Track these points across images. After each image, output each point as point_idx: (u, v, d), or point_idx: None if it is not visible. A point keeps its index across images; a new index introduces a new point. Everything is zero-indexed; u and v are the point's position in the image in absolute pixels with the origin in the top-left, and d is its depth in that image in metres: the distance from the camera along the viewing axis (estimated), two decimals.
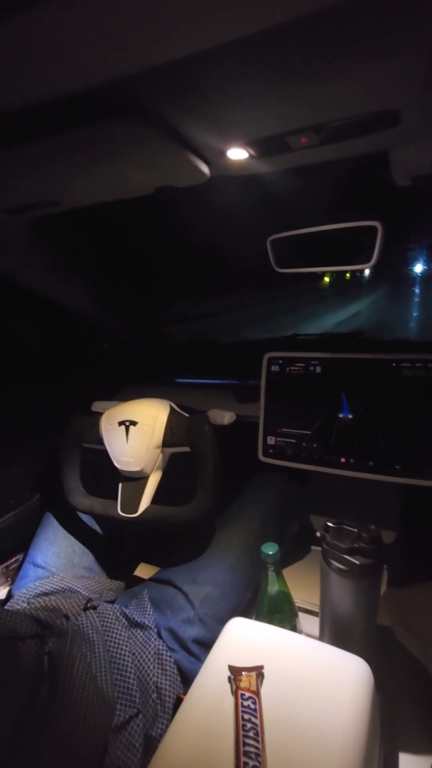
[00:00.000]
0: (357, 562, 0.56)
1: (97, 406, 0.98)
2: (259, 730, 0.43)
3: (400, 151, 0.60)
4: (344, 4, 0.30)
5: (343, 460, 0.88)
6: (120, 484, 0.82)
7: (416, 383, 0.82)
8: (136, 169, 0.57)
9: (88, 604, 0.71)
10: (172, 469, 0.84)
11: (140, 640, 0.65)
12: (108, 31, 0.33)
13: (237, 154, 0.54)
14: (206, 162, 0.56)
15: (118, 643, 0.63)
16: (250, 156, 0.55)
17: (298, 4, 0.30)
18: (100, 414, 0.85)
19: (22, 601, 0.74)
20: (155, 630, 0.67)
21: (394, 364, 0.84)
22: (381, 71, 0.39)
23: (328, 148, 0.53)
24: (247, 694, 0.46)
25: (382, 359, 0.85)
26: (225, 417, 0.86)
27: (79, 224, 0.93)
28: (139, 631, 0.67)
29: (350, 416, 0.88)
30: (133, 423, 0.81)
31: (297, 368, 0.94)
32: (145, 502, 0.79)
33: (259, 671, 0.50)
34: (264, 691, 0.48)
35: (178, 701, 0.59)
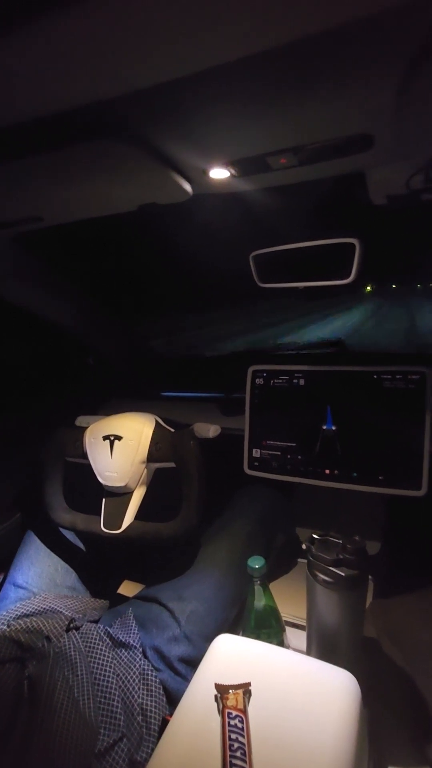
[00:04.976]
0: (342, 574, 0.57)
1: (81, 420, 0.97)
2: (246, 749, 0.42)
3: (376, 172, 0.63)
4: (320, 38, 0.32)
5: (327, 471, 0.89)
6: (103, 500, 0.80)
7: (397, 394, 0.84)
8: (119, 187, 0.58)
9: (71, 625, 0.69)
10: (157, 484, 0.83)
11: (125, 660, 0.64)
12: (93, 55, 0.34)
13: (219, 173, 0.55)
14: (189, 180, 0.57)
15: (102, 665, 0.61)
16: (232, 175, 0.56)
17: (277, 35, 0.32)
18: (85, 428, 0.84)
19: (2, 623, 0.71)
20: (140, 649, 0.66)
21: (375, 376, 0.86)
22: (354, 99, 0.41)
23: (307, 168, 0.55)
24: (234, 713, 0.46)
25: (364, 371, 0.87)
26: (210, 430, 0.86)
27: (63, 239, 0.93)
28: (123, 651, 0.65)
29: (334, 428, 0.89)
30: (118, 437, 0.80)
31: (281, 381, 0.95)
32: (128, 518, 0.78)
33: (246, 689, 0.49)
34: (251, 708, 0.47)
35: (164, 723, 0.58)
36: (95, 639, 0.66)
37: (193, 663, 0.63)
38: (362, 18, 0.30)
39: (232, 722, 0.44)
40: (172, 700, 0.62)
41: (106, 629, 0.69)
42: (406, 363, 0.84)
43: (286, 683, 0.50)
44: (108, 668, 0.61)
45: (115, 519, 0.78)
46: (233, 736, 0.43)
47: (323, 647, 0.62)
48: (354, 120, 0.45)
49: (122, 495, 0.80)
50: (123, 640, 0.66)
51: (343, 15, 0.30)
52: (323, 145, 0.49)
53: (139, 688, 0.60)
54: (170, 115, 0.43)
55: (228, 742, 0.42)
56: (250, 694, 0.49)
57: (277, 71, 0.37)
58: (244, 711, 0.46)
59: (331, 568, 0.57)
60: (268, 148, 0.50)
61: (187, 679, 0.55)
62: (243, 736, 0.43)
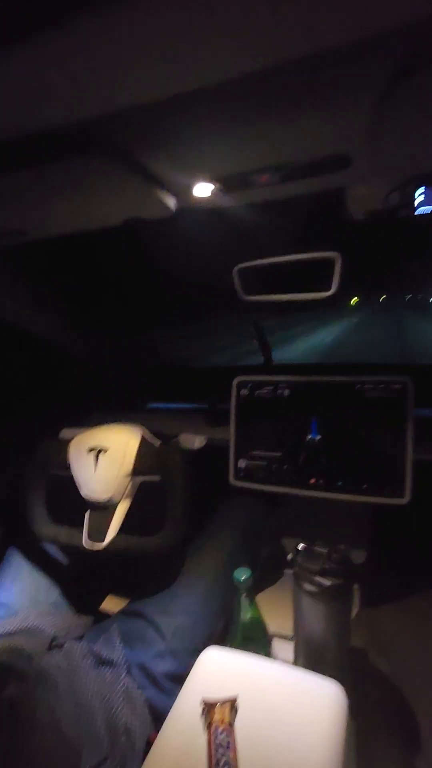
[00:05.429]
0: (327, 583, 0.57)
1: (65, 433, 0.96)
2: (232, 765, 0.42)
3: (355, 189, 0.65)
4: (298, 64, 0.34)
5: (312, 481, 0.89)
6: (87, 513, 0.79)
7: (379, 404, 0.86)
8: (103, 202, 0.59)
9: (54, 643, 0.67)
10: (141, 497, 0.82)
11: (109, 678, 0.62)
12: (78, 75, 0.35)
13: (202, 189, 0.57)
14: (173, 195, 0.59)
15: (85, 683, 0.60)
16: (216, 191, 0.58)
17: (258, 60, 0.34)
18: (69, 441, 0.83)
19: None
20: (125, 666, 0.64)
21: (358, 386, 0.87)
22: (331, 121, 0.43)
23: (288, 185, 0.57)
24: (221, 728, 0.45)
25: (347, 382, 0.88)
26: (196, 441, 0.86)
27: (47, 250, 0.93)
28: (107, 668, 0.64)
29: (318, 437, 0.90)
30: (103, 450, 0.79)
31: (265, 391, 0.95)
32: (112, 531, 0.77)
33: (232, 703, 0.48)
34: (238, 722, 0.46)
35: (150, 742, 0.57)
36: (78, 657, 0.64)
37: (179, 679, 0.62)
38: (338, 46, 0.32)
39: (219, 738, 0.44)
40: (158, 717, 0.61)
41: (90, 646, 0.67)
42: (389, 373, 0.86)
43: (273, 695, 0.50)
44: (91, 687, 0.59)
45: (99, 533, 0.77)
46: (219, 752, 0.42)
47: (310, 657, 0.62)
48: (331, 141, 0.47)
49: (106, 508, 0.79)
50: (107, 657, 0.65)
51: (320, 43, 0.32)
52: (303, 164, 0.51)
53: (123, 707, 0.59)
54: (155, 133, 0.45)
55: (215, 759, 0.42)
56: (236, 709, 0.48)
57: (258, 94, 0.38)
58: (231, 725, 0.45)
59: (316, 578, 0.58)
60: (251, 165, 0.51)
61: (173, 696, 0.54)
62: (229, 751, 0.43)
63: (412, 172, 0.58)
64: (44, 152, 0.46)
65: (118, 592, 0.99)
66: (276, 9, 0.29)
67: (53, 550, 0.89)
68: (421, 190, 0.65)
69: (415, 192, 0.65)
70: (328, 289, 0.68)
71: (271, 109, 0.41)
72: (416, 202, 0.64)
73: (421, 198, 0.65)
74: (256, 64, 0.34)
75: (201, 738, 0.46)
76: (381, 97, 0.38)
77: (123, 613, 0.76)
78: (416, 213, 0.63)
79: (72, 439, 0.84)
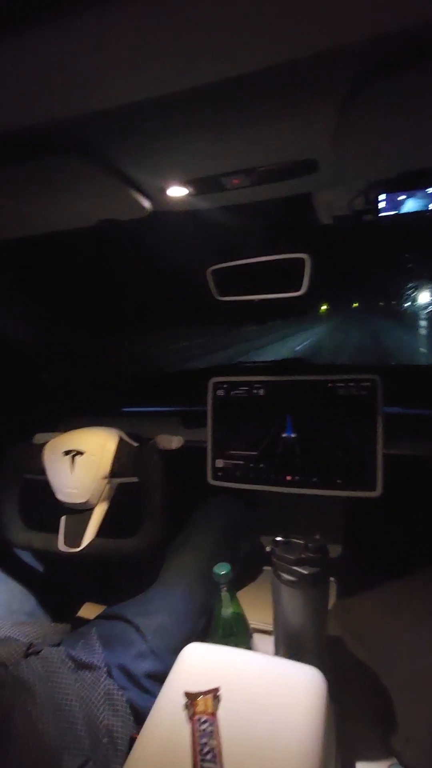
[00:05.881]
0: (305, 572, 0.59)
1: (39, 437, 0.95)
2: (216, 751, 0.42)
3: (322, 194, 0.68)
4: (266, 73, 0.36)
5: (288, 478, 0.91)
6: (63, 517, 0.78)
7: (350, 401, 0.89)
8: (76, 203, 0.59)
9: (30, 650, 0.66)
10: (119, 499, 0.82)
11: (88, 681, 0.61)
12: (51, 76, 0.35)
13: (176, 191, 0.58)
14: (147, 197, 0.60)
15: (64, 688, 0.59)
16: (189, 193, 0.59)
17: (228, 68, 0.35)
18: (42, 445, 0.82)
19: None
20: (105, 669, 0.63)
21: (330, 385, 0.90)
22: (298, 128, 0.45)
23: (259, 189, 0.59)
24: (204, 718, 0.45)
25: (319, 380, 0.91)
26: (173, 441, 0.87)
27: (19, 252, 0.92)
28: (87, 672, 0.63)
29: (293, 435, 0.92)
30: (80, 453, 0.79)
31: (241, 392, 0.97)
32: (89, 535, 0.76)
33: (215, 693, 0.49)
34: (221, 711, 0.47)
35: (132, 741, 0.56)
36: (56, 662, 0.63)
37: (160, 678, 0.62)
38: (303, 58, 0.34)
39: (202, 726, 0.44)
40: (141, 717, 0.60)
41: (68, 651, 0.66)
42: (360, 372, 0.90)
43: (254, 684, 0.50)
44: (70, 691, 0.58)
45: (75, 537, 0.76)
46: (203, 740, 0.43)
47: (290, 646, 0.63)
48: (299, 146, 0.49)
49: (83, 512, 0.78)
50: (86, 660, 0.64)
51: (286, 55, 0.34)
52: (272, 168, 0.54)
53: (104, 709, 0.58)
54: (129, 136, 0.46)
55: (198, 746, 0.42)
56: (219, 699, 0.49)
57: (228, 101, 0.40)
58: (214, 715, 0.46)
59: (294, 568, 0.59)
60: (222, 169, 0.53)
61: (154, 696, 0.53)
62: (213, 738, 0.43)
63: (373, 179, 0.62)
64: (16, 151, 0.46)
65: (96, 598, 0.98)
66: (244, 21, 0.31)
67: (28, 557, 0.87)
68: (383, 196, 0.69)
69: (377, 198, 0.69)
70: (298, 289, 0.70)
71: (240, 114, 0.43)
72: (379, 207, 0.68)
73: (383, 204, 0.69)
74: (225, 73, 0.36)
75: (185, 730, 0.46)
76: (343, 107, 0.41)
77: (102, 616, 0.75)
78: (379, 216, 0.67)
79: (46, 443, 0.82)
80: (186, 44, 0.33)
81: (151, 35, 0.32)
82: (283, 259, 0.71)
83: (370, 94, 0.38)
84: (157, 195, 0.59)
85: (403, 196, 0.68)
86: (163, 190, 0.58)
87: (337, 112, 0.42)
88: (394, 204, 0.68)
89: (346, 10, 0.30)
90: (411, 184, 0.64)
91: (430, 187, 0.66)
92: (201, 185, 0.57)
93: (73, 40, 0.32)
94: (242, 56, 0.34)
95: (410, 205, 0.68)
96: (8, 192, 0.55)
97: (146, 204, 0.60)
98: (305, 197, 0.70)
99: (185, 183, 0.57)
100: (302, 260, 0.69)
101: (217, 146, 0.49)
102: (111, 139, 0.46)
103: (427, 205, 0.68)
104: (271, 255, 0.72)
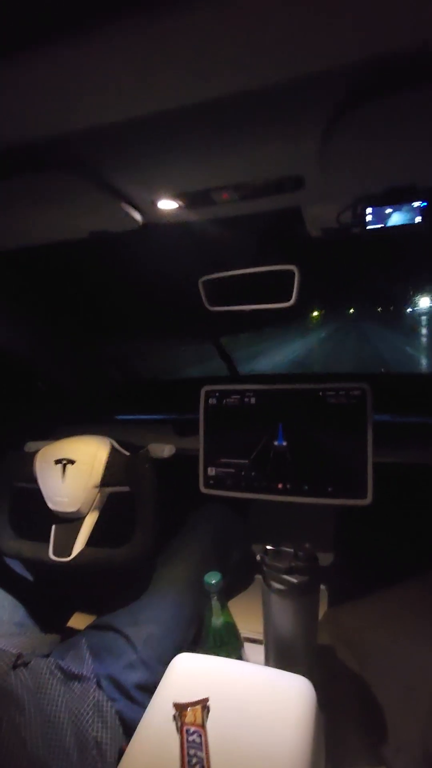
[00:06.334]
0: (295, 581, 0.59)
1: (30, 446, 0.94)
2: (205, 763, 0.42)
3: (310, 208, 0.70)
4: (254, 93, 0.37)
5: (280, 486, 0.92)
6: (53, 526, 0.78)
7: (340, 409, 0.90)
8: (69, 215, 0.61)
9: (18, 661, 0.65)
10: (110, 509, 0.82)
11: (78, 693, 0.61)
12: (44, 94, 0.37)
13: (167, 204, 0.59)
14: (138, 210, 0.61)
15: (52, 700, 0.58)
16: (179, 206, 0.60)
17: (217, 88, 0.37)
18: (34, 453, 0.82)
19: None
20: (94, 680, 0.63)
21: (320, 393, 0.92)
22: (285, 145, 0.47)
23: (248, 203, 0.60)
24: (193, 729, 0.45)
25: (310, 389, 0.92)
26: (165, 450, 0.87)
27: (13, 262, 0.93)
28: (76, 683, 0.62)
29: (284, 443, 0.93)
30: (71, 461, 0.78)
31: (233, 400, 0.98)
32: (79, 544, 0.75)
33: (204, 704, 0.49)
34: (210, 722, 0.47)
35: (122, 753, 0.55)
36: (45, 674, 0.62)
37: (150, 689, 0.61)
38: (290, 81, 0.36)
39: (191, 738, 0.44)
40: (130, 729, 0.60)
41: (57, 662, 0.65)
42: (350, 381, 0.91)
43: (244, 694, 0.50)
44: (59, 703, 0.58)
45: (65, 546, 0.75)
46: (192, 751, 0.43)
47: (280, 656, 0.63)
48: (286, 163, 0.51)
49: (73, 521, 0.78)
50: (75, 672, 0.63)
51: (273, 78, 0.36)
52: (260, 184, 0.55)
53: (93, 721, 0.58)
54: (120, 150, 0.47)
55: (187, 758, 0.42)
56: (208, 709, 0.49)
57: (217, 119, 0.41)
58: (203, 726, 0.46)
59: (284, 576, 0.59)
60: (212, 183, 0.54)
61: (144, 707, 0.53)
62: (201, 750, 0.43)
63: (360, 193, 0.63)
64: (10, 166, 0.47)
65: (86, 608, 0.97)
66: (233, 44, 0.32)
67: (17, 566, 0.87)
68: (370, 210, 0.70)
69: (365, 211, 0.71)
70: (288, 299, 0.72)
71: (229, 132, 0.44)
72: (366, 220, 0.70)
73: (370, 217, 0.71)
74: (214, 93, 0.37)
75: (173, 741, 0.46)
76: (329, 127, 0.42)
77: (92, 627, 0.74)
78: (367, 229, 0.69)
79: (37, 451, 0.82)
80: (177, 65, 0.34)
81: (143, 56, 0.33)
82: (273, 271, 0.72)
83: (355, 115, 0.40)
84: (148, 208, 0.61)
85: (390, 210, 0.69)
86: (154, 203, 0.59)
87: (322, 132, 0.44)
88: (381, 217, 0.70)
89: (332, 36, 0.32)
90: (396, 199, 0.66)
91: (415, 201, 0.67)
92: (191, 199, 0.59)
93: (66, 59, 0.33)
94: (231, 78, 0.36)
95: (396, 218, 0.69)
96: (3, 205, 0.56)
97: (138, 217, 0.61)
98: (295, 210, 0.72)
99: (176, 197, 0.58)
100: (292, 272, 0.70)
101: (206, 162, 0.50)
102: (103, 154, 0.47)
103: (413, 219, 0.70)
104: (261, 266, 0.73)
